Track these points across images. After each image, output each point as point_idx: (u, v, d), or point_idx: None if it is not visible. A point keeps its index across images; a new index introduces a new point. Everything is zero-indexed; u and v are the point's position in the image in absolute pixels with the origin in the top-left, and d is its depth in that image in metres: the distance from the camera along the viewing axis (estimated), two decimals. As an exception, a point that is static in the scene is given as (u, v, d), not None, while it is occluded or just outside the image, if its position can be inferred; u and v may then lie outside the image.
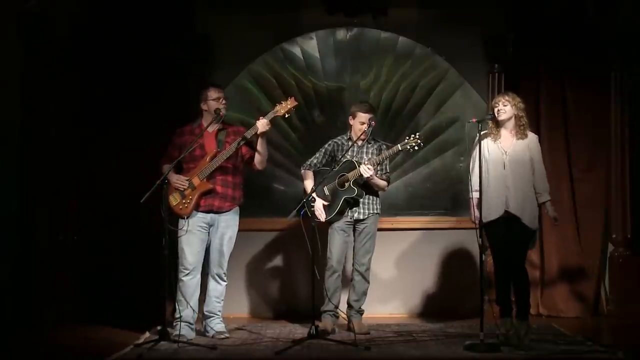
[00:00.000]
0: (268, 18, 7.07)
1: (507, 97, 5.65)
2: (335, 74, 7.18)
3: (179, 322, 5.72)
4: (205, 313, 5.94)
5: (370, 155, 6.08)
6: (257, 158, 5.85)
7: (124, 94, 6.75)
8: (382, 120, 7.03)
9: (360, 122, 6.05)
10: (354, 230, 6.14)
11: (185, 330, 5.73)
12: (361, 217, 6.09)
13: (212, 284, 5.91)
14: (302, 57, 7.17)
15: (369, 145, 6.14)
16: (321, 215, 6.00)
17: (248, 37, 7.03)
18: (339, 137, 6.25)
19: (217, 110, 5.80)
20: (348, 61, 7.18)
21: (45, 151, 6.58)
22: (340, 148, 6.16)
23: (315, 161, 6.22)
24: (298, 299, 6.94)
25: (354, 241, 6.17)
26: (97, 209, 6.76)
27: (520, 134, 5.63)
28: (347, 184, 6.01)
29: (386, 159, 6.01)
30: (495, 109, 5.64)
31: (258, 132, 5.72)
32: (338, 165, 6.04)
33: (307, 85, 7.17)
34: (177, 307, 5.79)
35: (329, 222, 6.08)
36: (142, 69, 6.74)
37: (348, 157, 6.06)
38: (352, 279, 6.18)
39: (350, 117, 6.14)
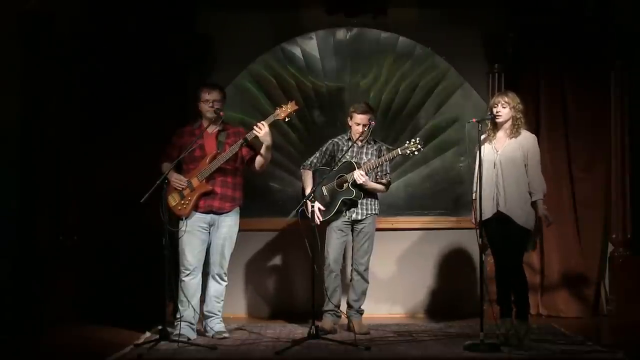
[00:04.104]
0: (268, 18, 7.07)
1: (506, 99, 5.61)
2: (335, 74, 7.18)
3: (179, 322, 5.73)
4: (205, 313, 5.94)
5: (369, 156, 6.08)
6: (259, 161, 5.84)
7: (124, 93, 6.75)
8: (382, 120, 7.03)
9: (356, 123, 6.05)
10: (353, 230, 6.14)
11: (186, 330, 5.73)
12: (359, 217, 6.09)
13: (212, 284, 5.91)
14: (302, 57, 7.17)
15: (369, 146, 6.14)
16: (317, 218, 5.99)
17: (248, 37, 7.03)
18: (339, 137, 6.24)
19: (217, 111, 5.79)
20: (348, 61, 7.17)
21: (45, 151, 6.58)
22: (339, 148, 6.16)
23: (314, 161, 6.23)
24: (298, 299, 6.94)
25: (353, 241, 6.17)
26: (97, 209, 6.76)
27: (514, 132, 5.60)
28: (345, 185, 6.01)
29: (384, 162, 6.00)
30: (494, 110, 5.63)
31: (264, 143, 5.70)
32: (337, 165, 6.04)
33: (307, 85, 7.17)
34: (178, 307, 5.80)
35: (327, 222, 6.08)
36: (142, 68, 6.75)
37: (348, 157, 6.06)
38: (351, 279, 6.18)
39: (348, 118, 6.14)
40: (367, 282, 6.15)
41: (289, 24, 7.13)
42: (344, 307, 6.20)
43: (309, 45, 7.18)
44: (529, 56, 6.93)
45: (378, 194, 6.18)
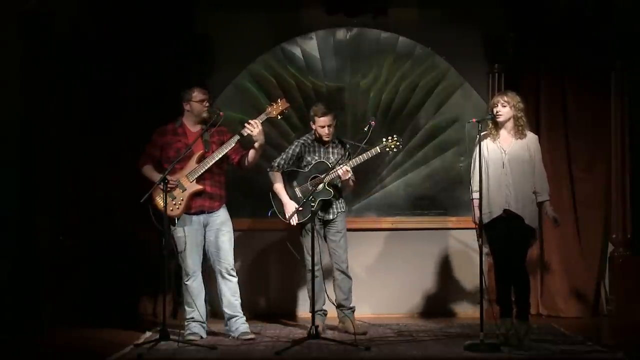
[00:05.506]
0: (268, 18, 7.08)
1: (505, 98, 5.62)
2: (335, 74, 7.18)
3: (190, 322, 5.76)
4: (227, 314, 5.83)
5: (336, 156, 6.04)
6: (251, 156, 5.80)
7: (123, 93, 6.75)
8: (382, 120, 7.04)
9: (320, 126, 6.01)
10: (325, 230, 6.12)
11: (197, 329, 5.76)
12: (331, 217, 6.08)
13: (223, 282, 5.80)
14: (302, 57, 7.17)
15: (334, 145, 6.11)
16: (294, 220, 5.93)
17: (248, 37, 7.03)
18: (304, 137, 6.17)
19: (213, 111, 5.78)
20: (348, 61, 7.18)
21: (45, 151, 6.58)
22: (306, 149, 6.10)
23: (282, 162, 6.12)
24: (297, 299, 6.93)
25: (328, 242, 6.12)
26: (97, 209, 6.76)
27: (519, 134, 5.61)
28: (321, 186, 5.95)
29: (364, 160, 5.93)
30: (494, 110, 5.63)
31: (257, 141, 5.69)
32: (309, 166, 6.03)
33: (307, 85, 7.17)
34: (186, 308, 5.80)
35: (301, 225, 6.01)
36: (142, 69, 6.75)
37: (317, 158, 6.03)
38: (334, 279, 6.12)
39: (311, 122, 6.08)
40: (351, 279, 6.12)
41: (289, 24, 7.14)
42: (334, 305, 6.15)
43: (309, 45, 7.18)
44: (529, 56, 6.93)
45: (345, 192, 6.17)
